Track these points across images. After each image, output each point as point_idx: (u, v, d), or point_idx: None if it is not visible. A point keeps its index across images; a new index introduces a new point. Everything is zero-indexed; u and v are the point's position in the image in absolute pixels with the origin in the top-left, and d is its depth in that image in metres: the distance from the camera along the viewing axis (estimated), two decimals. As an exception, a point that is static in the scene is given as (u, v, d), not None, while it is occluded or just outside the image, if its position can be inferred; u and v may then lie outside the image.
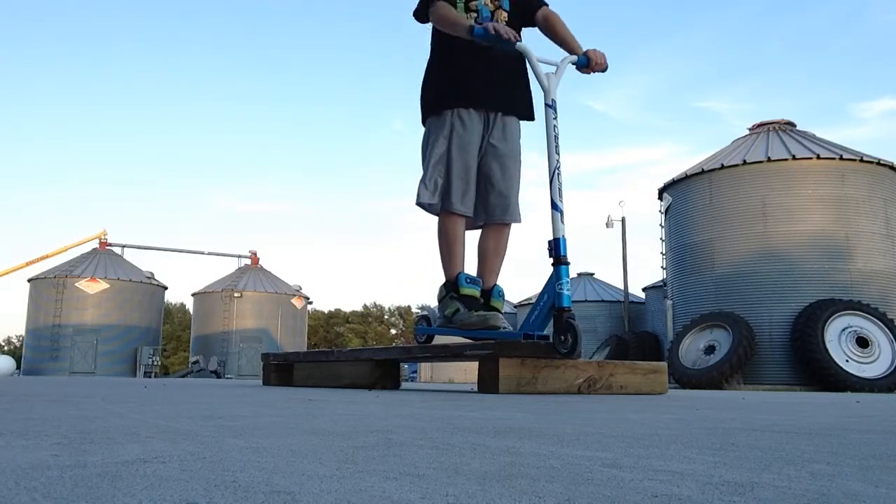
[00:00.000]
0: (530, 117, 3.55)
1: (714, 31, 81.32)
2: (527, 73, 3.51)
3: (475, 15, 3.39)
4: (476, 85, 3.40)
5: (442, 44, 3.48)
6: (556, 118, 3.19)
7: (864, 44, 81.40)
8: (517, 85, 3.52)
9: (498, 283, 3.52)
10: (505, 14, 3.47)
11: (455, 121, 3.37)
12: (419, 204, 3.41)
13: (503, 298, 3.50)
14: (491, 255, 3.49)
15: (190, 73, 78.64)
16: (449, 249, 3.40)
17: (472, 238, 3.55)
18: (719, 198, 14.69)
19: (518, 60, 3.47)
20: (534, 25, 3.53)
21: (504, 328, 3.26)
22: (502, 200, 3.42)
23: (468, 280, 3.37)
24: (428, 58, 3.58)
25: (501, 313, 3.39)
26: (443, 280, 3.49)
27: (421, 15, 3.49)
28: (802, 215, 13.90)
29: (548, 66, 3.29)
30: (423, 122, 3.55)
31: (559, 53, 3.42)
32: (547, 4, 3.55)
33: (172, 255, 47.28)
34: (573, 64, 3.34)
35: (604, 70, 3.36)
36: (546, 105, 3.21)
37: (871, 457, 0.97)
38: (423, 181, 3.41)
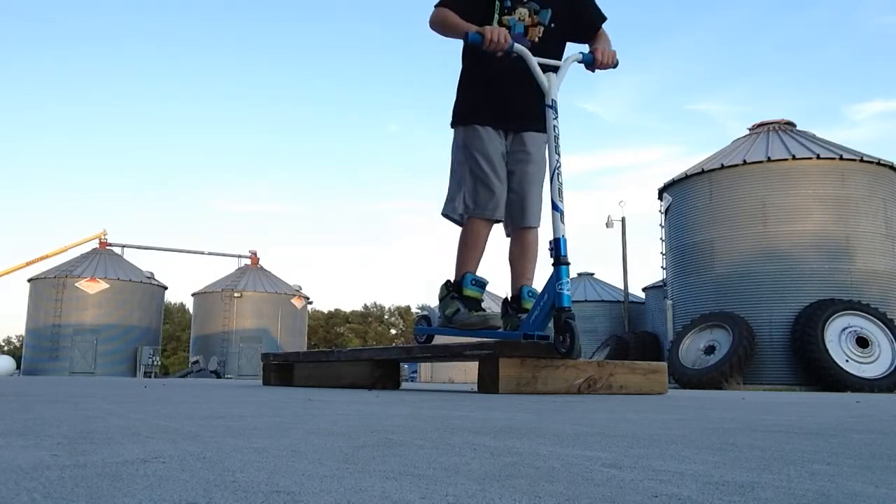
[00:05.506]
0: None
1: (708, 32, 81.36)
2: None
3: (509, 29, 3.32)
4: (496, 105, 3.38)
5: (466, 57, 3.46)
6: (556, 118, 3.18)
7: (856, 46, 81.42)
8: (535, 98, 3.42)
9: (532, 284, 3.46)
10: (540, 29, 3.36)
11: (476, 136, 3.37)
12: (444, 215, 3.45)
13: (534, 298, 3.39)
14: (516, 260, 3.48)
15: (190, 74, 78.68)
16: (466, 250, 3.41)
17: (504, 245, 3.56)
18: (719, 198, 14.69)
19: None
20: (585, 41, 3.45)
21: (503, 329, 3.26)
22: (520, 204, 3.41)
23: (473, 282, 3.37)
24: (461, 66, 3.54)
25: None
26: (443, 280, 3.49)
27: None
28: (802, 215, 13.91)
29: (551, 66, 3.26)
30: (452, 126, 3.55)
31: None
32: (602, 24, 3.47)
33: (172, 255, 47.36)
34: (579, 62, 3.31)
35: (615, 66, 3.32)
36: (546, 106, 3.20)
37: (871, 457, 0.97)
38: (448, 194, 3.45)
